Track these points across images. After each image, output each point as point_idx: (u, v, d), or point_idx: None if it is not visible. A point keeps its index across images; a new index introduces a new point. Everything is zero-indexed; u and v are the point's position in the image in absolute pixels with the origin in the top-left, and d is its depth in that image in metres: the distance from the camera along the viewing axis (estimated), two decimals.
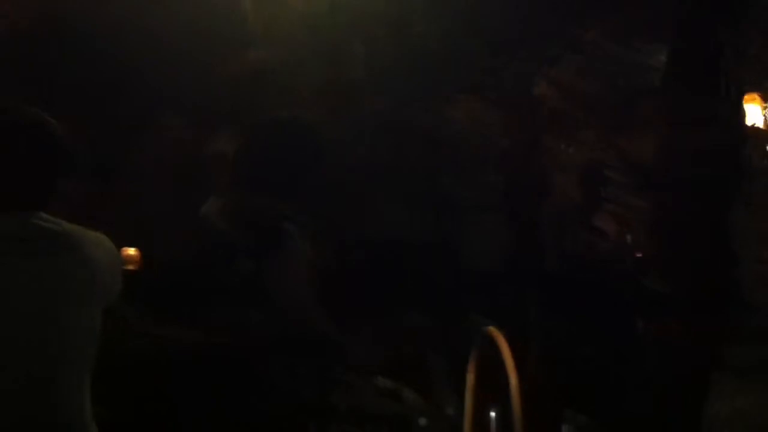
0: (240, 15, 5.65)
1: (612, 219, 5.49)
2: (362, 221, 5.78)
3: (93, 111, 5.30)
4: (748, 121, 5.68)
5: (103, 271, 2.21)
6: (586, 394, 3.87)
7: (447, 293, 5.37)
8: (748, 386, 4.32)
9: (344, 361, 5.32)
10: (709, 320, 4.50)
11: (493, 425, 2.76)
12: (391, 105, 5.90)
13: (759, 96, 5.92)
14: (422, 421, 3.82)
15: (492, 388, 2.77)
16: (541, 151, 6.07)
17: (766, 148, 5.54)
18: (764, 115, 6.02)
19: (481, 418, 2.80)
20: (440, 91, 5.96)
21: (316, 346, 5.40)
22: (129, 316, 4.50)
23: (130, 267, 4.63)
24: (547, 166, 5.96)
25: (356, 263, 5.72)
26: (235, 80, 5.66)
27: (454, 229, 5.86)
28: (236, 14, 5.66)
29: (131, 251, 4.83)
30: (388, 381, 4.81)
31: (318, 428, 4.86)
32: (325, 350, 5.45)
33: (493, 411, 2.78)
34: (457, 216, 5.87)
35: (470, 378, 2.76)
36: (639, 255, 5.11)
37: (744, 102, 5.40)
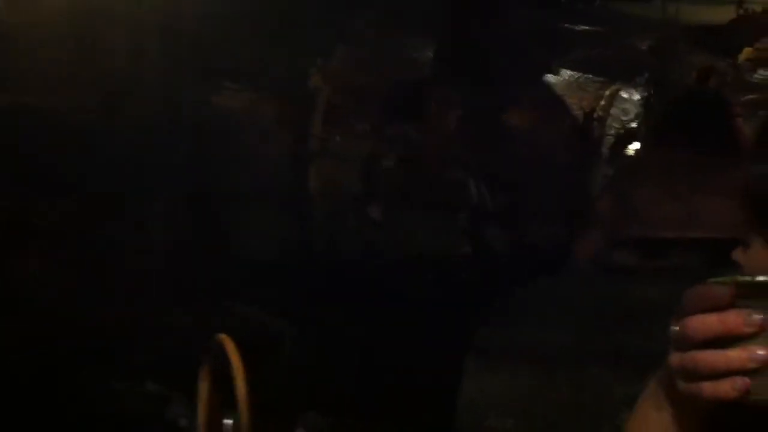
0: None
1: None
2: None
3: None
4: None
5: None
6: (333, 392, 3.84)
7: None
8: (501, 369, 4.34)
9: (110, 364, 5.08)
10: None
11: None
12: (159, 94, 5.66)
13: None
14: None
15: (227, 396, 2.67)
16: (319, 143, 6.01)
17: None
18: None
19: (216, 429, 2.69)
20: (210, 81, 5.78)
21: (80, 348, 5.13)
22: None
23: None
24: (325, 158, 5.92)
25: None
26: None
27: (220, 221, 5.70)
28: None
29: None
30: (156, 385, 4.64)
31: None
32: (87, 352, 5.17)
33: (229, 420, 2.68)
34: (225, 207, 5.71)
35: (202, 387, 2.65)
36: None
37: None
